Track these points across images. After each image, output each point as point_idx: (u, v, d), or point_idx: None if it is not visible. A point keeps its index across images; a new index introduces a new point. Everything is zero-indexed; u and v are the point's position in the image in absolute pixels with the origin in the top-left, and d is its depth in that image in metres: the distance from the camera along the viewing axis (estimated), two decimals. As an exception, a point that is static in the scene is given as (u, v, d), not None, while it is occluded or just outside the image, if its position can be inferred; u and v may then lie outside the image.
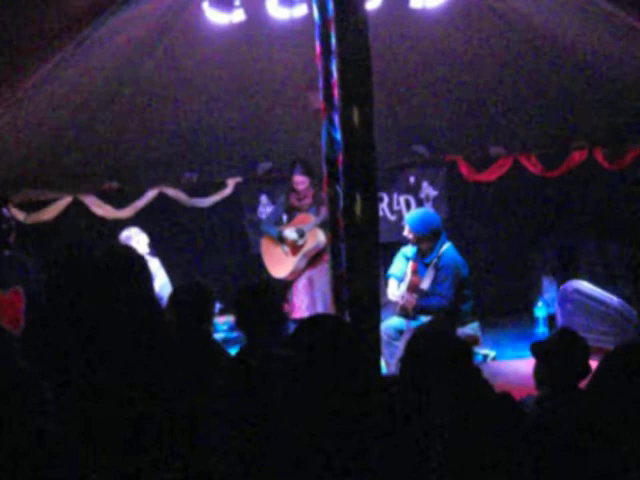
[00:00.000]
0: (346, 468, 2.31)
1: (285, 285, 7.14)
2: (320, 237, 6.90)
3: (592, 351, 3.54)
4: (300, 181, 7.09)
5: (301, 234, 7.06)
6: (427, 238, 6.16)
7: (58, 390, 2.69)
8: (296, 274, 7.12)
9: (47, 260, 3.98)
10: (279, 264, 7.20)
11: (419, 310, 6.08)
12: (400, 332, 6.12)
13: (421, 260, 6.25)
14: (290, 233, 7.09)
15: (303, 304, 7.06)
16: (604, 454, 2.82)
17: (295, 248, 7.10)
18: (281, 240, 7.14)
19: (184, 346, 3.40)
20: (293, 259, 7.10)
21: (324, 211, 6.42)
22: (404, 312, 6.14)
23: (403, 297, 6.11)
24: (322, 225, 6.78)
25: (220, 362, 3.66)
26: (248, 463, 2.43)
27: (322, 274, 6.88)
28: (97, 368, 2.89)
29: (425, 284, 6.12)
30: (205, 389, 3.12)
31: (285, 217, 7.38)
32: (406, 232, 6.29)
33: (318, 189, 6.88)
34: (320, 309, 6.81)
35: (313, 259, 7.09)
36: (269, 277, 7.23)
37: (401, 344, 5.98)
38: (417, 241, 6.22)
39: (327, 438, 2.31)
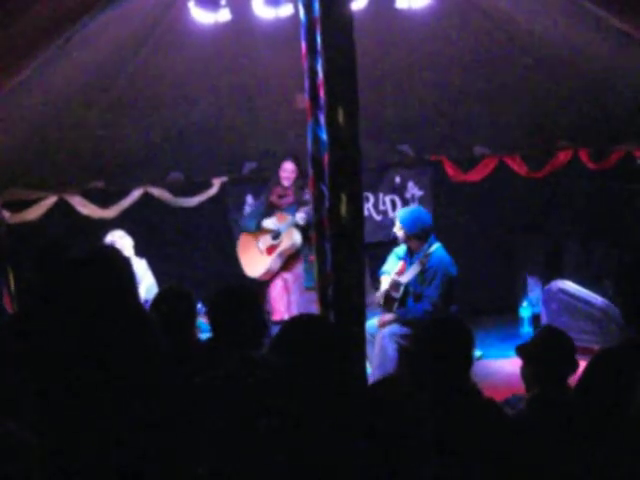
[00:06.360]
0: (333, 470, 2.31)
1: (261, 287, 7.08)
2: (296, 237, 6.86)
3: (577, 351, 3.55)
4: (290, 169, 7.04)
5: (277, 234, 7.02)
6: (416, 237, 6.10)
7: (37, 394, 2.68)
8: (270, 274, 7.08)
9: (29, 261, 3.96)
10: (254, 263, 7.16)
11: (402, 322, 6.03)
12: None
13: (410, 259, 6.20)
14: (270, 223, 7.05)
15: (281, 307, 7.03)
16: (594, 453, 2.83)
17: (270, 248, 7.06)
18: (260, 230, 7.10)
19: (168, 350, 3.37)
20: (268, 258, 7.05)
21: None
22: (387, 308, 6.13)
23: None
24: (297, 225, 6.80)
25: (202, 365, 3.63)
26: (230, 467, 2.42)
27: (296, 278, 6.88)
28: (77, 373, 2.86)
29: (406, 277, 6.07)
30: (185, 391, 3.09)
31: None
32: (396, 228, 6.24)
33: (301, 189, 6.86)
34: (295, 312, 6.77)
35: (288, 260, 7.04)
36: (246, 278, 7.20)
37: (377, 347, 5.96)
38: (406, 238, 6.18)
39: (312, 440, 2.31)
